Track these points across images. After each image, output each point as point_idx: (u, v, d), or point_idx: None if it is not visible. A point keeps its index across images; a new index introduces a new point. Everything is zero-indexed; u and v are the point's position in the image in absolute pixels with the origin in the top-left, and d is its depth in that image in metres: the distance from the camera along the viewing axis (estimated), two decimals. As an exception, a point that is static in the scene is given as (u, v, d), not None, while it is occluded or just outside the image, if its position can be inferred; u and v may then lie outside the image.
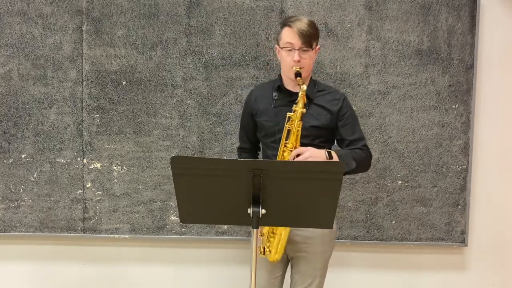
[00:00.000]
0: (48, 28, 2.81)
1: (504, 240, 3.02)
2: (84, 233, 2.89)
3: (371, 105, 2.86)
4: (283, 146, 2.20)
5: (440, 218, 2.91)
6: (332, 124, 2.31)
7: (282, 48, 2.24)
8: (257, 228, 1.89)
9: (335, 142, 2.39)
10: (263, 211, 1.86)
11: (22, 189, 2.87)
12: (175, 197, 1.96)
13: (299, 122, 2.17)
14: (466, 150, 2.89)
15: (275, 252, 2.24)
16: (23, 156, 2.85)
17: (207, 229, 2.90)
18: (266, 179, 1.83)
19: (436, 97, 2.87)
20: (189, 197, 1.92)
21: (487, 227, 2.99)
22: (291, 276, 2.39)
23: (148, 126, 2.85)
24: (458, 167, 2.90)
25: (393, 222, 2.91)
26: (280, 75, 2.36)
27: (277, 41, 2.31)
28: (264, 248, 2.26)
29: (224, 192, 1.89)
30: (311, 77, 2.35)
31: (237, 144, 2.56)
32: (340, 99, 2.33)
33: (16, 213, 2.88)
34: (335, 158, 2.18)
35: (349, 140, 2.32)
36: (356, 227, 2.91)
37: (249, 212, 1.86)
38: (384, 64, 2.85)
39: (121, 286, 3.00)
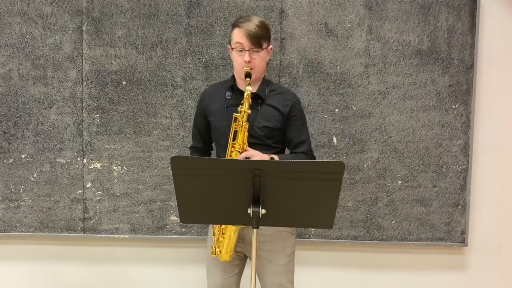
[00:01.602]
0: (48, 28, 2.81)
1: (504, 240, 3.02)
2: (84, 233, 2.89)
3: (371, 105, 2.86)
4: (230, 146, 2.20)
5: (440, 218, 2.91)
6: (283, 125, 2.31)
7: (233, 48, 2.26)
8: (257, 228, 1.90)
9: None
10: (263, 211, 1.86)
11: (22, 189, 2.87)
12: (175, 197, 1.96)
13: (245, 123, 2.18)
14: (466, 150, 2.89)
15: (226, 252, 2.24)
16: (23, 156, 2.85)
17: (207, 229, 2.89)
18: (266, 179, 1.84)
19: (436, 97, 2.87)
20: (189, 197, 1.92)
21: (487, 227, 2.99)
22: (258, 277, 2.37)
23: (148, 126, 2.85)
24: (458, 167, 2.90)
25: (393, 222, 2.91)
26: (233, 75, 2.37)
27: (229, 41, 2.32)
28: (215, 248, 2.26)
29: (224, 192, 1.89)
30: (264, 78, 2.36)
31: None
32: (291, 100, 2.34)
33: (16, 213, 2.88)
34: None
35: (295, 143, 2.35)
36: (356, 227, 2.91)
37: (249, 212, 1.86)
38: (384, 64, 2.85)
39: (121, 286, 3.00)
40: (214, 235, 2.29)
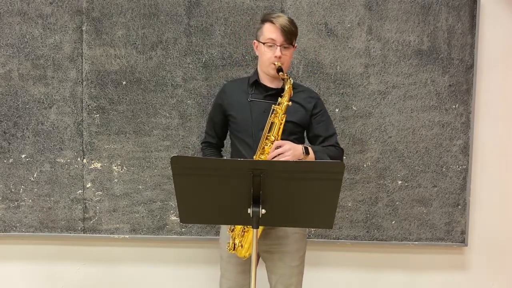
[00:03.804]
0: (48, 28, 2.81)
1: (504, 240, 3.02)
2: (84, 233, 2.89)
3: (371, 105, 2.86)
4: (264, 138, 2.19)
5: (440, 218, 2.91)
6: (306, 122, 2.33)
7: (264, 43, 2.24)
8: (257, 228, 1.89)
9: (306, 140, 2.41)
10: (263, 211, 1.86)
11: (22, 189, 2.87)
12: (175, 197, 1.96)
13: (283, 115, 2.18)
14: (466, 150, 2.89)
15: (248, 248, 2.21)
16: (23, 156, 2.85)
17: (207, 229, 2.90)
18: (266, 179, 1.83)
19: (436, 97, 2.87)
20: (189, 197, 1.92)
21: (487, 227, 2.99)
22: (268, 278, 2.37)
23: (148, 126, 2.85)
24: (458, 167, 2.90)
25: (393, 222, 2.91)
26: (256, 71, 2.36)
27: (256, 36, 2.31)
28: (234, 244, 2.24)
29: (224, 192, 1.89)
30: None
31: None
32: (315, 97, 2.37)
33: (16, 213, 2.88)
34: (311, 153, 2.22)
35: (324, 137, 2.35)
36: (356, 227, 2.91)
37: (249, 212, 1.86)
38: (384, 64, 2.85)
39: (121, 286, 3.00)
40: (232, 231, 2.25)
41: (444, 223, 2.92)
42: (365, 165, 2.88)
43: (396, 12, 2.83)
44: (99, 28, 2.81)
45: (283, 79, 2.20)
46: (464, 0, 2.84)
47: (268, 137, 2.19)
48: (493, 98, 2.93)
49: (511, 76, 2.94)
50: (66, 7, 2.80)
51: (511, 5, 2.90)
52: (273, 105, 2.19)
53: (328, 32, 2.83)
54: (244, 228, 2.22)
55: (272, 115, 2.19)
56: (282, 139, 2.21)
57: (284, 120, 2.19)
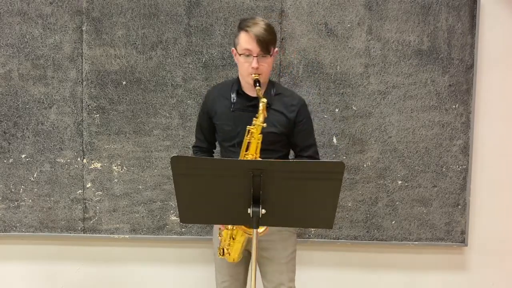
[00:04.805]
0: (48, 28, 2.81)
1: (504, 240, 3.02)
2: (84, 233, 2.89)
3: (371, 105, 2.86)
4: (243, 157, 2.16)
5: (440, 218, 2.91)
6: (289, 130, 2.29)
7: (240, 54, 2.19)
8: (257, 228, 1.90)
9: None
10: (263, 211, 1.86)
11: (22, 189, 2.87)
12: (175, 197, 1.96)
13: (259, 135, 2.13)
14: (466, 150, 2.89)
15: (235, 254, 2.26)
16: (23, 156, 2.85)
17: (207, 229, 2.90)
18: (266, 179, 1.84)
19: (436, 97, 2.87)
20: (189, 197, 1.92)
21: (487, 227, 2.99)
22: (261, 279, 2.39)
23: (148, 126, 2.85)
24: (458, 167, 2.90)
25: (393, 222, 2.91)
26: (238, 78, 2.32)
27: (233, 43, 2.27)
28: (223, 250, 2.27)
29: (224, 192, 1.90)
30: (269, 80, 2.32)
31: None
32: (297, 105, 2.30)
33: (16, 213, 2.88)
34: None
35: (302, 147, 2.33)
36: (356, 227, 2.91)
37: (249, 212, 1.86)
38: (384, 64, 2.85)
39: (121, 286, 3.00)
40: (220, 236, 2.28)
41: (444, 223, 2.92)
42: (365, 165, 2.88)
43: (396, 12, 2.83)
44: (99, 28, 2.81)
45: (259, 96, 2.13)
46: (464, 0, 2.84)
47: (247, 155, 2.15)
48: (493, 98, 2.93)
49: (511, 76, 2.94)
50: (66, 7, 2.80)
51: (511, 5, 2.90)
52: (247, 127, 2.14)
53: (328, 32, 2.83)
54: (232, 238, 2.23)
55: (249, 135, 2.15)
56: (262, 148, 2.16)
57: (261, 139, 2.14)
